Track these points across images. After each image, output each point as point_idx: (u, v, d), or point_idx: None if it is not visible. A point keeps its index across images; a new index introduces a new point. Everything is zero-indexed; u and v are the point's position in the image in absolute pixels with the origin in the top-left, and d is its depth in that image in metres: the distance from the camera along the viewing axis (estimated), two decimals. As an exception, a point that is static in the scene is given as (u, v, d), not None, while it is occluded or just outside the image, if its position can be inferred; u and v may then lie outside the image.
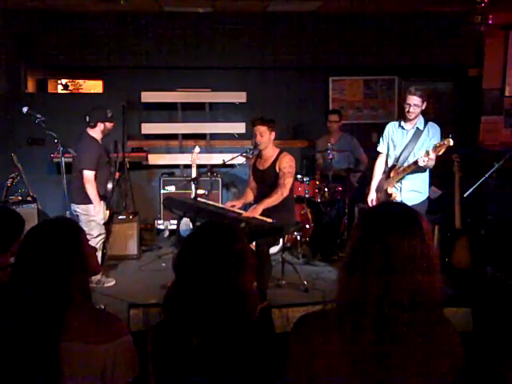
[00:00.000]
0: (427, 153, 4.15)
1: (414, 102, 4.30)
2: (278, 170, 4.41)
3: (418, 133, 4.42)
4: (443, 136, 4.23)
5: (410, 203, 4.37)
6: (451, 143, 4.08)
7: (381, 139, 4.71)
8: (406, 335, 1.32)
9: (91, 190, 4.64)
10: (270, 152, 4.49)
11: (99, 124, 4.75)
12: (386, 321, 1.32)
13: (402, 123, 4.51)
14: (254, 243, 4.80)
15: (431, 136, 4.39)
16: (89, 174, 4.62)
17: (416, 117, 4.39)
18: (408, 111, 4.35)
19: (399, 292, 1.33)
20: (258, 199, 4.60)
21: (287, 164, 4.39)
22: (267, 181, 4.50)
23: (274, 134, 4.47)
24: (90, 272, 1.82)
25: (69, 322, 1.55)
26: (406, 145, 4.46)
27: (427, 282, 1.35)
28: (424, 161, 4.17)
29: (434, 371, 1.36)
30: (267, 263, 4.31)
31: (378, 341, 1.33)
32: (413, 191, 4.47)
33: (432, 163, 4.26)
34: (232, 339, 1.55)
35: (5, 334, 1.55)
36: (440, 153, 4.13)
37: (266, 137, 4.42)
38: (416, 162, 4.24)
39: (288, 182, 4.34)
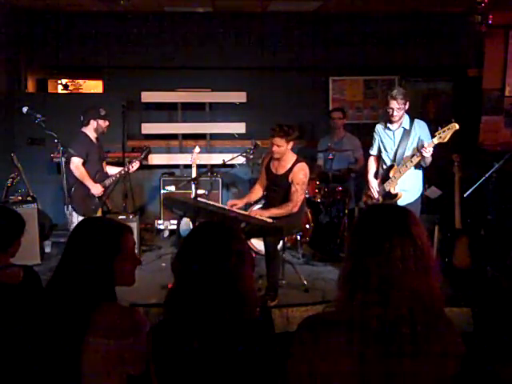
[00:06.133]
0: (432, 142, 4.14)
1: (397, 107, 4.31)
2: (290, 181, 4.33)
3: (406, 132, 4.44)
4: (443, 124, 4.18)
5: (403, 202, 4.41)
6: (457, 127, 4.05)
7: (373, 142, 4.72)
8: (410, 344, 1.32)
9: (79, 174, 4.65)
10: (287, 158, 4.40)
11: (91, 121, 4.81)
12: (390, 335, 1.32)
13: (388, 124, 4.52)
14: (251, 241, 4.80)
15: (418, 133, 4.40)
16: (75, 161, 4.64)
17: (400, 118, 4.41)
18: (392, 115, 4.37)
19: (398, 303, 1.32)
20: (266, 199, 4.63)
21: (301, 180, 4.29)
22: (278, 187, 4.45)
23: (292, 143, 4.33)
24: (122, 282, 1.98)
25: (96, 320, 1.67)
26: (397, 146, 4.48)
27: (424, 285, 1.34)
28: (429, 151, 4.15)
29: (439, 373, 1.36)
30: (276, 261, 4.31)
31: (384, 353, 1.33)
32: (405, 190, 4.49)
33: (430, 159, 4.26)
34: (233, 338, 1.55)
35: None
36: (446, 139, 4.10)
37: (283, 148, 4.30)
38: (421, 153, 4.20)
39: (300, 199, 4.30)
